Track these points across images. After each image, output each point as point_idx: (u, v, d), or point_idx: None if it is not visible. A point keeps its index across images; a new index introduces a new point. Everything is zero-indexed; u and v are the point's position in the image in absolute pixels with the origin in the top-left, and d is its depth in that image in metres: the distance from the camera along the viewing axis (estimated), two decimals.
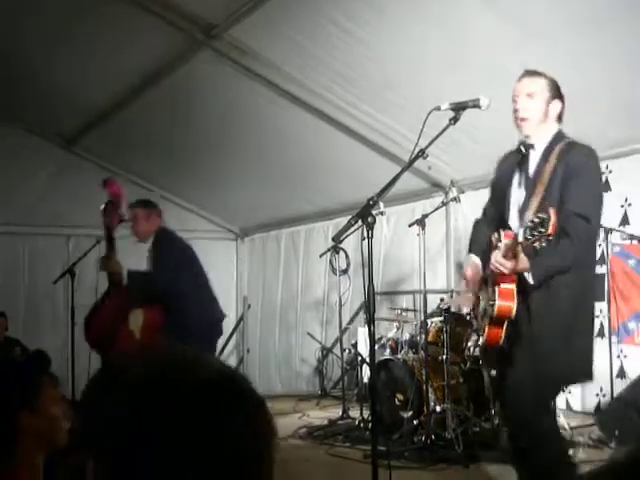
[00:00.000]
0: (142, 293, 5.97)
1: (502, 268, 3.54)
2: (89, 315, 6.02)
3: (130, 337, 5.89)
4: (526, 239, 3.33)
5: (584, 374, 3.78)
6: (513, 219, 3.80)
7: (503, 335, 3.68)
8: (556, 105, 3.77)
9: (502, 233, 3.66)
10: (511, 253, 3.49)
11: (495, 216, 3.97)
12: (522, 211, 3.72)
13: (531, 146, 3.81)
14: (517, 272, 3.56)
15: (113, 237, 6.04)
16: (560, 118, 3.82)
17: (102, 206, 6.10)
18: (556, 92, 3.76)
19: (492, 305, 3.65)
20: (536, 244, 3.32)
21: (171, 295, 5.93)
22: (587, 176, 3.63)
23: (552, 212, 3.26)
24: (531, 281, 3.53)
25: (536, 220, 3.24)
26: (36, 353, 7.02)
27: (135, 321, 5.94)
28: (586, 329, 3.74)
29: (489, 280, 3.79)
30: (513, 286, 3.61)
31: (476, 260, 3.90)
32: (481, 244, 3.94)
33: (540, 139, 3.78)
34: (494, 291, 3.68)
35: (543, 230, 3.22)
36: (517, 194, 3.82)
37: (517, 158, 3.89)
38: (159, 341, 5.82)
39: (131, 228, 6.24)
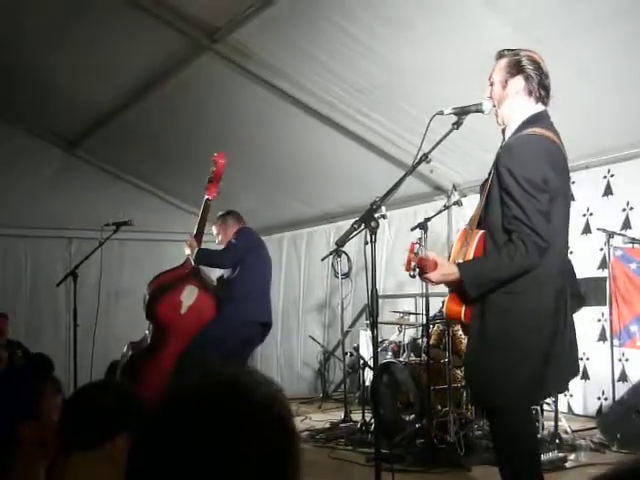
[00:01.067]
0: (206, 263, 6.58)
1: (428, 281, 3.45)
2: (160, 273, 6.54)
3: (175, 307, 6.20)
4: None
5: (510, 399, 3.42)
6: None
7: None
8: (514, 82, 3.46)
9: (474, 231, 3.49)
10: (432, 263, 3.34)
11: None
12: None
13: (503, 132, 3.57)
14: (446, 282, 3.41)
15: (205, 216, 6.50)
16: (535, 95, 3.47)
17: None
18: (514, 70, 3.46)
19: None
20: None
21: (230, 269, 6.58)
22: (516, 182, 3.28)
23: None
24: (469, 293, 3.33)
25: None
26: (37, 357, 7.05)
27: (189, 295, 6.23)
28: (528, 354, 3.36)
29: None
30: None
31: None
32: None
33: (511, 125, 3.50)
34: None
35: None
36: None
37: None
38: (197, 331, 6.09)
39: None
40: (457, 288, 3.41)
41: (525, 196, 3.26)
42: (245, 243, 6.65)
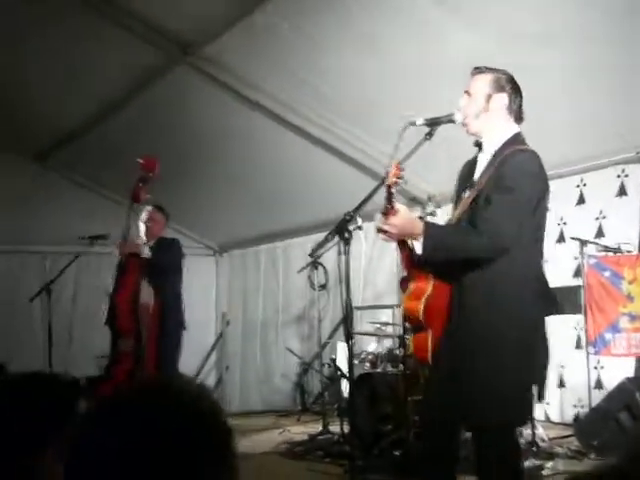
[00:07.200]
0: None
1: (385, 227, 3.36)
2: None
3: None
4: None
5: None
6: None
7: (430, 350, 3.45)
8: (499, 99, 3.52)
9: None
10: (391, 208, 3.31)
11: None
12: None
13: (481, 146, 3.61)
14: (406, 234, 3.37)
15: (130, 217, 6.27)
16: (515, 115, 3.55)
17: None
18: (499, 86, 3.52)
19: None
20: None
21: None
22: (513, 190, 3.34)
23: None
24: (418, 250, 3.30)
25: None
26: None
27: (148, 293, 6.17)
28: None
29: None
30: (422, 284, 3.47)
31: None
32: None
33: (491, 138, 3.55)
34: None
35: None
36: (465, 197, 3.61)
37: (473, 160, 3.70)
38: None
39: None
40: (407, 249, 3.40)
41: (514, 204, 3.34)
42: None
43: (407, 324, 3.59)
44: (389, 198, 3.33)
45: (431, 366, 3.56)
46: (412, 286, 3.54)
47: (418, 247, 3.31)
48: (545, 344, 3.49)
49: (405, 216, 3.37)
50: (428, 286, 3.47)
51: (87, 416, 1.22)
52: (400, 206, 3.35)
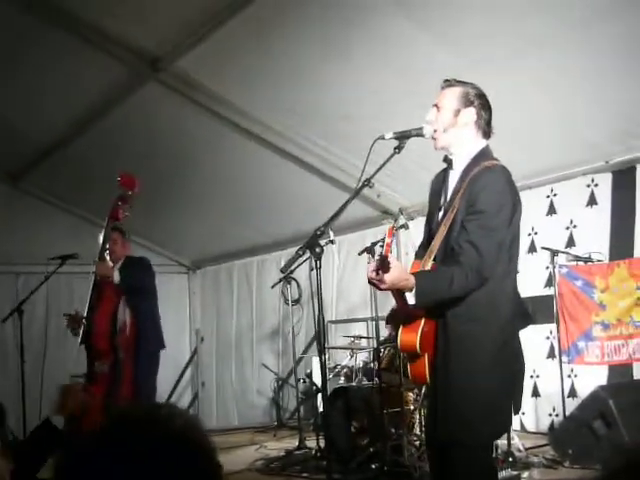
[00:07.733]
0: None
1: (377, 282, 3.25)
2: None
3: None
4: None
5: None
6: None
7: (427, 371, 3.45)
8: (467, 113, 3.49)
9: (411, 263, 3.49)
10: (385, 267, 3.19)
11: (429, 240, 3.65)
12: (431, 240, 3.53)
13: (450, 163, 3.58)
14: (397, 288, 3.28)
15: (108, 236, 6.08)
16: (482, 130, 3.53)
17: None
18: (468, 101, 3.50)
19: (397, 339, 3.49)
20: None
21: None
22: (485, 212, 3.32)
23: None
24: (412, 301, 3.27)
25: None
26: None
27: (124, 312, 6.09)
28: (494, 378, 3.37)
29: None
30: (416, 318, 3.42)
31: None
32: None
33: (459, 154, 3.53)
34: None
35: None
36: (439, 217, 3.57)
37: (444, 175, 3.66)
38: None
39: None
40: (401, 299, 3.34)
41: (488, 227, 3.32)
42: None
43: (404, 355, 3.52)
44: (384, 259, 3.19)
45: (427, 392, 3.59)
46: (407, 321, 3.49)
47: (410, 298, 3.28)
48: (521, 362, 3.49)
49: (398, 275, 3.25)
50: (421, 319, 3.44)
51: (77, 447, 1.21)
52: (395, 263, 3.22)
